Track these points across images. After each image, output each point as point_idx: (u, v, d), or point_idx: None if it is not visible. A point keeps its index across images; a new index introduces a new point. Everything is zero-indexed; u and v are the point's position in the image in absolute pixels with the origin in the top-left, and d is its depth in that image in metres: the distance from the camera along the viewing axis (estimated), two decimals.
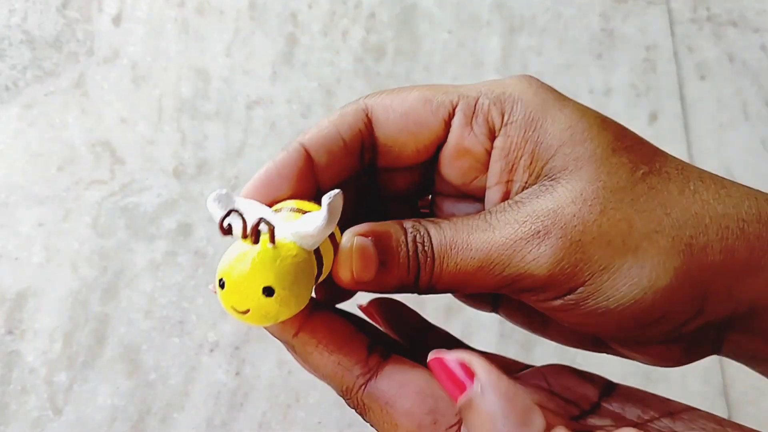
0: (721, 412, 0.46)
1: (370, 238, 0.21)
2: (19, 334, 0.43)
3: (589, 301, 0.20)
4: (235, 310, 0.19)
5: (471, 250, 0.20)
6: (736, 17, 0.58)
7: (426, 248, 0.21)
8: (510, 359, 0.26)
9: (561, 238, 0.20)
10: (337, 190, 0.20)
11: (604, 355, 0.24)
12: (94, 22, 0.53)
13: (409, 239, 0.21)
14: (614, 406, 0.22)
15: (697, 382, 0.47)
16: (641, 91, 0.54)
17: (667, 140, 0.53)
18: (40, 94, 0.50)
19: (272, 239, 0.19)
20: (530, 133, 0.21)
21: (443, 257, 0.21)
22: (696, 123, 0.54)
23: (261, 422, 0.43)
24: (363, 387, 0.21)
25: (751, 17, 0.58)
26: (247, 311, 0.19)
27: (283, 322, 0.21)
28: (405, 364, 0.21)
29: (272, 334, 0.21)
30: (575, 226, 0.20)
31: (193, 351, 0.44)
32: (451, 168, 0.24)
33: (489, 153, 0.23)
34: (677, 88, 0.55)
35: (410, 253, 0.21)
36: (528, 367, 0.25)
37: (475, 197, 0.24)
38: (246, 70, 0.53)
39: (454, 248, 0.21)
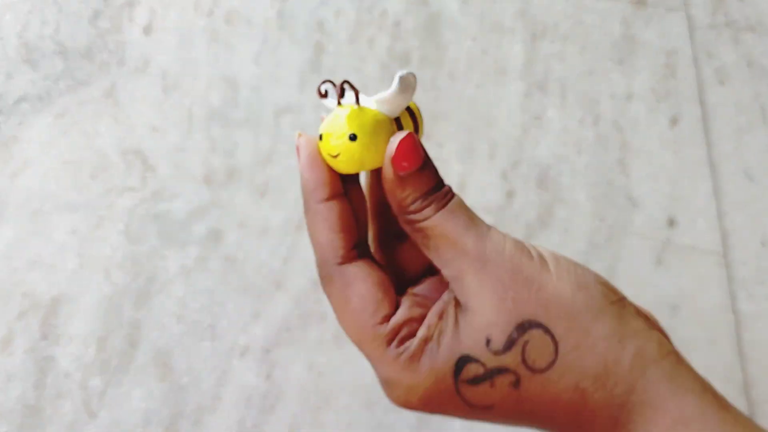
0: (742, 411, 0.46)
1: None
2: (53, 339, 0.44)
3: None
4: (330, 155, 0.26)
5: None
6: (754, 23, 0.58)
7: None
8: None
9: None
10: (408, 70, 0.25)
11: None
12: (125, 33, 0.53)
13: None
14: None
15: (718, 381, 0.46)
16: (662, 96, 0.55)
17: (688, 144, 0.53)
18: (73, 103, 0.51)
19: (357, 100, 0.25)
20: None
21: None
22: (716, 127, 0.54)
23: (291, 425, 0.43)
24: (336, 266, 0.26)
25: None
26: (338, 155, 0.25)
27: (319, 188, 0.26)
28: (373, 264, 0.27)
29: (307, 188, 0.26)
30: None
31: (224, 355, 0.45)
32: None
33: None
34: (697, 92, 0.55)
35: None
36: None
37: None
38: (274, 78, 0.53)
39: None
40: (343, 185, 0.27)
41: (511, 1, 0.59)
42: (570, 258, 0.26)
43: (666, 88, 0.55)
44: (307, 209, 0.27)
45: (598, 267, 0.49)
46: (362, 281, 0.26)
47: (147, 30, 0.54)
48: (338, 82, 0.26)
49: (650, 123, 0.54)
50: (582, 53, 0.57)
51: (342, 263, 0.26)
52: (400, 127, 0.27)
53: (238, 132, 0.52)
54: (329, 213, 0.26)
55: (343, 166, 0.26)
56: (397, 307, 0.27)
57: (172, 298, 0.46)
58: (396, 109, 0.26)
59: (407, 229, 0.26)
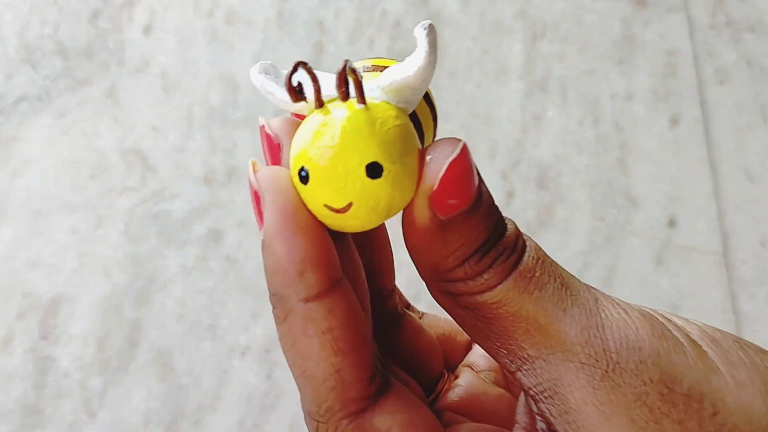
0: None
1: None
2: (53, 339, 0.44)
3: None
4: (331, 208, 0.14)
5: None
6: (755, 23, 0.58)
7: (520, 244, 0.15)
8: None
9: None
10: (429, 21, 0.15)
11: None
12: (125, 32, 0.54)
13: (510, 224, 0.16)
14: None
15: None
16: (661, 96, 0.55)
17: (688, 144, 0.53)
18: (73, 103, 0.51)
19: (362, 97, 0.14)
20: None
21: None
22: (716, 127, 0.54)
23: (292, 424, 0.43)
24: (352, 417, 0.15)
25: None
26: (349, 206, 0.14)
27: (307, 274, 0.14)
28: (408, 399, 0.16)
29: (283, 274, 0.14)
30: None
31: (224, 354, 0.45)
32: None
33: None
34: (697, 92, 0.55)
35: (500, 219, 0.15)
36: None
37: None
38: None
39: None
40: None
41: (511, 1, 0.59)
42: (730, 333, 0.16)
43: (666, 88, 0.55)
44: (283, 313, 0.15)
45: (598, 267, 0.49)
46: None
47: (147, 30, 0.54)
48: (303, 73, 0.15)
49: (650, 123, 0.54)
50: (582, 53, 0.57)
51: (360, 411, 0.15)
52: (419, 129, 0.16)
53: (238, 132, 0.52)
54: (329, 320, 0.14)
55: (358, 223, 0.14)
56: None
57: (172, 297, 0.46)
58: (420, 94, 0.15)
59: (446, 304, 0.16)
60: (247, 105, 0.53)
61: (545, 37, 0.57)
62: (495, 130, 0.53)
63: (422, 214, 0.14)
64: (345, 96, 0.14)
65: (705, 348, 0.14)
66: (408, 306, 0.20)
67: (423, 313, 0.20)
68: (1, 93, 0.51)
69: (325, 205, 0.14)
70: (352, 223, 0.14)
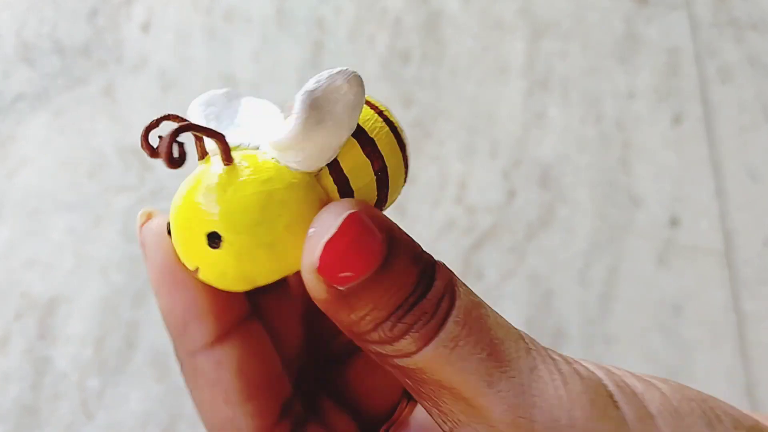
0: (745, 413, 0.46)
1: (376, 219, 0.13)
2: (51, 339, 0.44)
3: None
4: (187, 268, 0.13)
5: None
6: (757, 21, 0.58)
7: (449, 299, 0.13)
8: None
9: None
10: (335, 71, 0.13)
11: None
12: (123, 30, 0.53)
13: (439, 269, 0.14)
14: None
15: (720, 382, 0.46)
16: (664, 95, 0.55)
17: (690, 143, 0.53)
18: (71, 101, 0.51)
19: (227, 156, 0.13)
20: None
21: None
22: (718, 126, 0.54)
23: None
24: None
25: None
26: (197, 270, 0.13)
27: (192, 325, 0.14)
28: None
29: (173, 326, 0.14)
30: None
31: None
32: None
33: None
34: (699, 91, 0.55)
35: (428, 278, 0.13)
36: None
37: None
38: (273, 76, 0.53)
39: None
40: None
41: None
42: (710, 397, 0.14)
43: (668, 87, 0.55)
44: (179, 362, 0.15)
45: (600, 267, 0.49)
46: None
47: (145, 27, 0.54)
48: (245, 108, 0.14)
49: (652, 122, 0.54)
50: (584, 51, 0.57)
51: None
52: (343, 181, 0.14)
53: None
54: (220, 371, 0.14)
55: (219, 284, 0.13)
56: None
57: None
58: (317, 156, 0.13)
59: (375, 359, 0.14)
60: None
61: (547, 35, 0.57)
62: (496, 128, 0.53)
63: (315, 288, 0.13)
64: (203, 154, 0.13)
65: (660, 423, 0.13)
66: None
67: None
68: None
69: (183, 263, 0.14)
70: (217, 283, 0.14)
